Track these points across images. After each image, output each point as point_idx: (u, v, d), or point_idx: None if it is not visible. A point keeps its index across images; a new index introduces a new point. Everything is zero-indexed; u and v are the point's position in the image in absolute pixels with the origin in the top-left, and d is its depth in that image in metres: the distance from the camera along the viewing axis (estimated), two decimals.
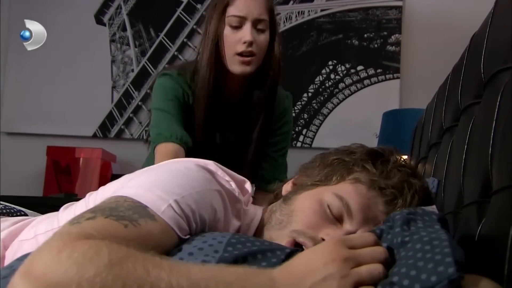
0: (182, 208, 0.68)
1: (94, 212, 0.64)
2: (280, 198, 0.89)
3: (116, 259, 0.53)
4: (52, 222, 0.85)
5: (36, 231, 0.84)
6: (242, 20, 1.37)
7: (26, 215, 1.03)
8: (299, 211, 0.80)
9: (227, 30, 1.39)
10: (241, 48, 1.37)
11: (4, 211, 1.01)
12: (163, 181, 0.71)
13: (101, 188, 0.86)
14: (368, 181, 0.79)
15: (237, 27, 1.38)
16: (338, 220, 0.78)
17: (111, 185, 0.84)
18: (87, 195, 0.87)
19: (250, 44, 1.37)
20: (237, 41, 1.38)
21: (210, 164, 0.81)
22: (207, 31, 1.43)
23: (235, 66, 1.40)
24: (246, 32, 1.36)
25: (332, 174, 0.82)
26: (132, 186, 0.71)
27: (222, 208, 0.78)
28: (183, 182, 0.72)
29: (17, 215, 1.01)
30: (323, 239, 0.75)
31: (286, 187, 0.89)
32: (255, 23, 1.38)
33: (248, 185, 0.88)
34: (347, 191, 0.79)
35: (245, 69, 1.40)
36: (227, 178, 0.82)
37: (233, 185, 0.82)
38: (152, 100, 1.51)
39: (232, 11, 1.38)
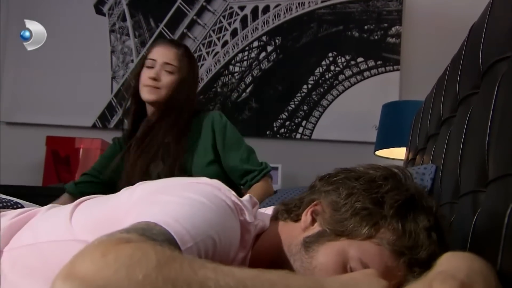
0: (204, 250, 0.70)
1: (127, 230, 0.63)
2: (292, 217, 0.88)
3: (163, 260, 0.53)
4: (59, 226, 0.84)
5: (37, 237, 0.82)
6: (153, 62, 1.80)
7: (23, 207, 1.03)
8: (322, 270, 0.79)
9: (144, 70, 1.83)
10: (148, 82, 1.79)
11: (0, 204, 1.01)
12: (191, 214, 0.72)
13: (139, 184, 0.87)
14: (393, 247, 0.78)
15: (150, 67, 1.80)
16: None
17: (144, 188, 0.84)
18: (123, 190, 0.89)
19: (154, 79, 1.78)
20: (147, 77, 1.80)
21: (230, 193, 0.82)
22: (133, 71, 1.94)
23: (143, 93, 1.81)
24: (153, 70, 1.79)
25: (359, 228, 0.80)
26: (159, 213, 0.71)
27: (237, 243, 0.80)
28: (210, 218, 0.74)
29: (13, 208, 1.01)
30: None
31: (305, 219, 0.86)
32: (163, 66, 1.80)
33: (254, 199, 0.91)
34: (371, 255, 0.78)
35: (149, 96, 1.80)
36: (243, 206, 0.83)
37: (247, 214, 0.83)
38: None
39: (149, 56, 1.84)
